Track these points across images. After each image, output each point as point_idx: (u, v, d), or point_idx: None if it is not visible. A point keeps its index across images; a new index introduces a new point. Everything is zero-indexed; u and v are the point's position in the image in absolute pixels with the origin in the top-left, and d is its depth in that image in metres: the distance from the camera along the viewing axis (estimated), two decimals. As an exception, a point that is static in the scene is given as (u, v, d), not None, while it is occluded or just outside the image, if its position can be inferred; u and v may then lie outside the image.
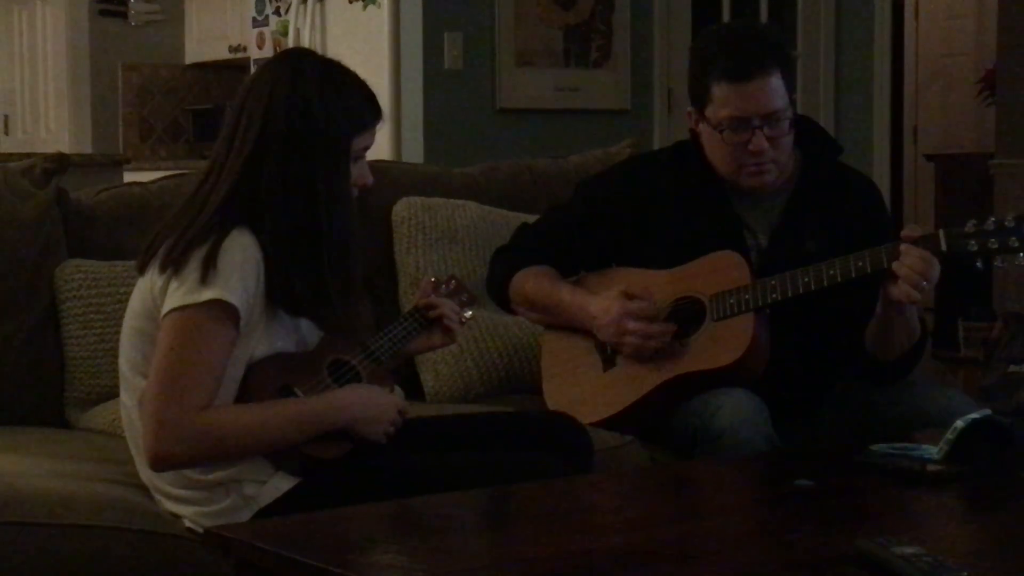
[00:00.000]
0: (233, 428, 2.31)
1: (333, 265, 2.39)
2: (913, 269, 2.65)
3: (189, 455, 2.31)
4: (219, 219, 2.35)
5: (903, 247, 2.68)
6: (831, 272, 2.75)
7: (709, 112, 2.88)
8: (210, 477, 2.36)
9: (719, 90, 2.85)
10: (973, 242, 2.65)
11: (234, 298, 2.30)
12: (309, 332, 2.48)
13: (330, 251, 2.38)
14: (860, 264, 2.72)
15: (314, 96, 2.38)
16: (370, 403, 2.43)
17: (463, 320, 2.65)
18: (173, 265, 2.32)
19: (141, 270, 2.42)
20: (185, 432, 2.28)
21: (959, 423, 2.33)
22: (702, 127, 2.93)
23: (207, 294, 2.29)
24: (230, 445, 2.32)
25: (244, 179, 2.37)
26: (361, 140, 2.44)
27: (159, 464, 2.33)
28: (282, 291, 2.37)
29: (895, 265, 2.67)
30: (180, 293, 2.30)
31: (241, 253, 2.33)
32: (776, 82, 2.84)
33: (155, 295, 2.36)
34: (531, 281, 3.06)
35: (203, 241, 2.32)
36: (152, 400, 2.29)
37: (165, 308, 2.32)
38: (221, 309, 2.30)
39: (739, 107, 2.83)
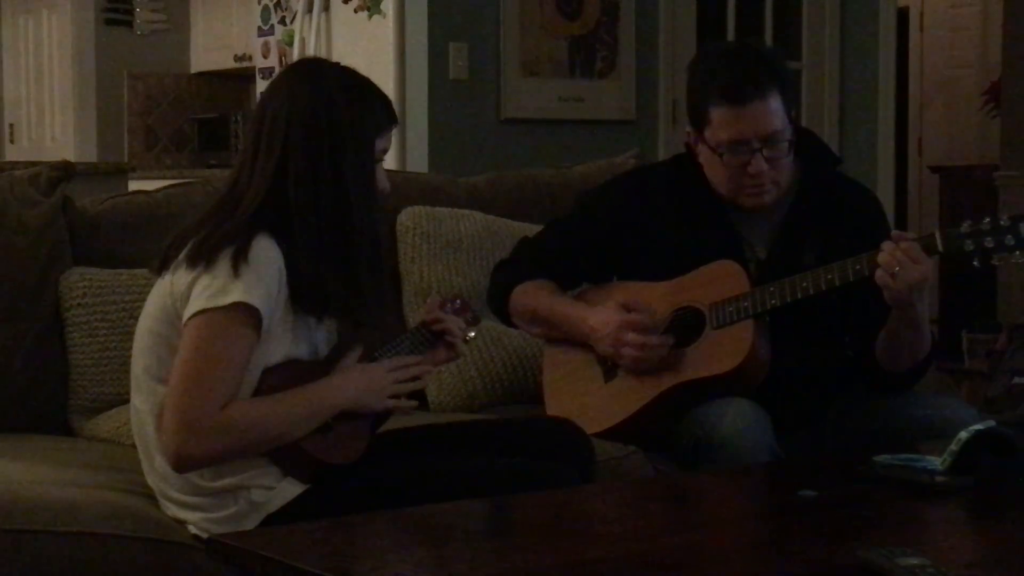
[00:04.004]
0: (253, 422, 2.33)
1: (365, 261, 2.43)
2: (891, 254, 2.66)
3: (212, 452, 2.33)
4: (249, 223, 2.38)
5: (893, 234, 2.70)
6: (829, 277, 2.75)
7: (708, 134, 2.88)
8: (217, 484, 2.38)
9: (717, 113, 2.85)
10: (969, 242, 2.66)
11: (257, 302, 2.33)
12: (322, 342, 2.50)
13: (361, 248, 2.43)
14: (858, 268, 2.73)
15: (337, 97, 2.43)
16: (361, 375, 2.46)
17: (466, 339, 2.67)
18: (205, 260, 2.34)
19: (159, 271, 2.44)
20: (207, 431, 2.30)
21: (963, 434, 2.33)
22: (700, 148, 2.93)
23: (231, 297, 2.31)
24: (251, 438, 2.34)
25: (274, 184, 2.41)
26: (381, 142, 2.48)
27: (182, 464, 2.34)
28: (313, 292, 2.40)
29: (879, 255, 2.68)
30: (207, 295, 2.32)
31: (265, 259, 2.35)
32: (775, 103, 2.84)
33: (176, 297, 2.37)
34: (531, 295, 3.06)
35: (233, 240, 2.35)
36: (174, 401, 2.31)
37: (188, 312, 2.34)
38: (244, 312, 2.32)
39: (738, 130, 2.83)
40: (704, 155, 2.93)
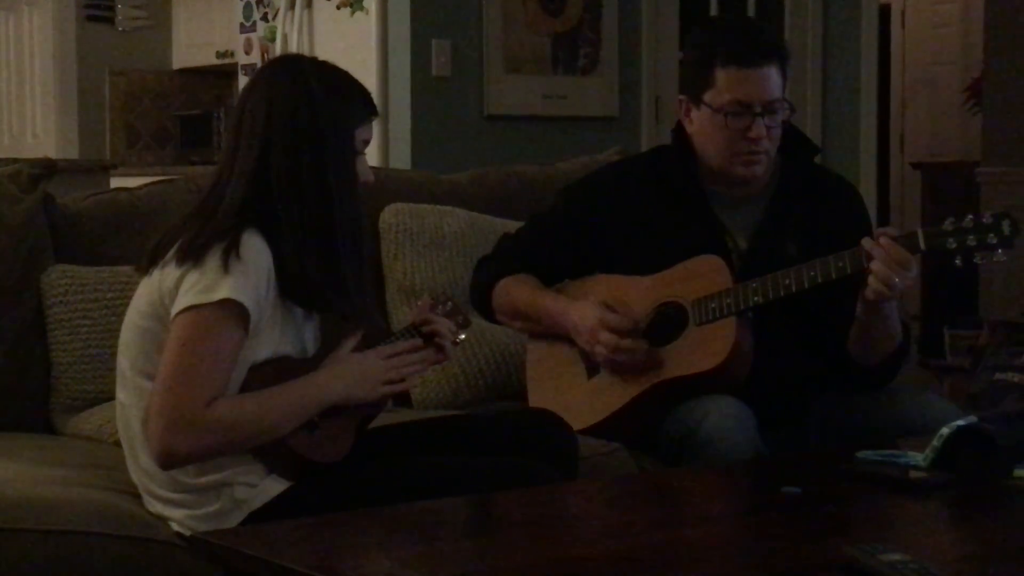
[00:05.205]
0: (240, 418, 2.33)
1: (347, 254, 2.43)
2: (886, 265, 2.67)
3: (199, 449, 2.32)
4: (235, 219, 2.38)
5: (881, 240, 2.70)
6: (812, 273, 2.76)
7: (709, 97, 2.89)
8: (201, 480, 2.37)
9: (725, 74, 2.87)
10: (952, 240, 2.67)
11: (246, 299, 2.32)
12: (310, 341, 2.51)
13: (343, 240, 2.43)
14: (840, 265, 2.73)
15: (316, 90, 2.43)
16: (352, 366, 2.45)
17: (456, 341, 2.67)
18: (194, 257, 2.34)
19: (147, 269, 2.43)
20: (194, 427, 2.29)
21: (945, 430, 2.34)
22: (695, 115, 2.94)
23: (220, 293, 2.31)
24: (239, 434, 2.34)
25: (257, 179, 2.41)
26: (361, 132, 2.48)
27: (168, 460, 2.33)
28: (299, 285, 2.40)
29: (870, 262, 2.69)
30: (195, 291, 2.32)
31: (255, 256, 2.35)
32: (777, 75, 2.89)
33: (164, 293, 2.37)
34: (514, 290, 3.06)
35: (222, 237, 2.35)
36: (161, 397, 2.31)
37: (177, 307, 2.33)
38: (233, 309, 2.32)
39: (744, 92, 2.86)
40: (700, 122, 2.93)
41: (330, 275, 2.42)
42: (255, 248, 2.36)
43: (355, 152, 2.47)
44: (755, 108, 2.87)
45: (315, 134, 2.42)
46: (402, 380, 2.50)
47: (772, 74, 2.88)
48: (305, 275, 2.40)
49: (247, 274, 2.33)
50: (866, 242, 2.70)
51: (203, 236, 2.36)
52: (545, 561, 1.95)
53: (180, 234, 2.41)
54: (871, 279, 2.68)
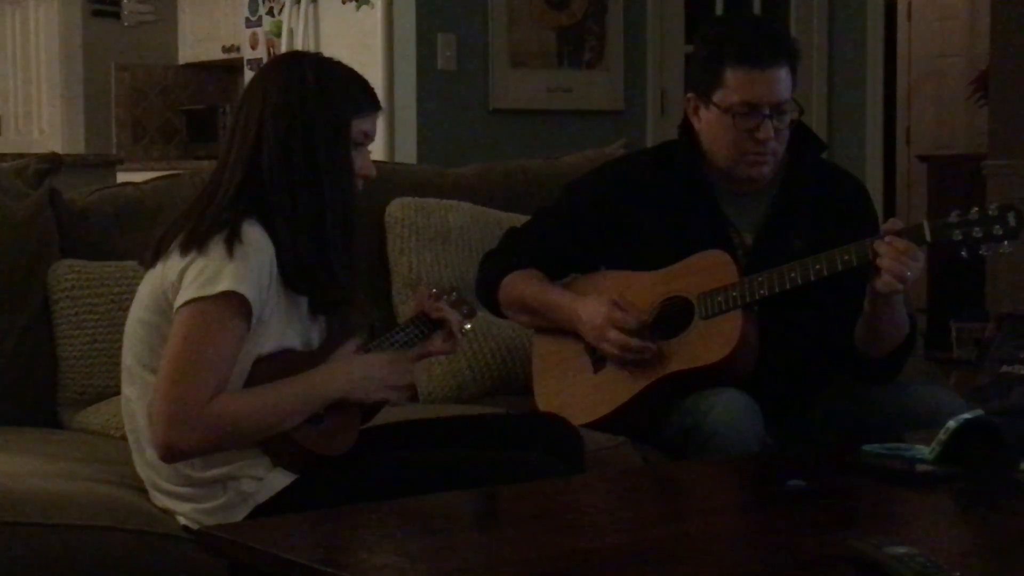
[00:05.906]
0: (243, 413, 2.33)
1: (336, 241, 2.43)
2: (896, 260, 2.67)
3: (201, 444, 2.32)
4: (232, 207, 2.39)
5: (886, 238, 2.70)
6: (817, 266, 2.76)
7: (718, 97, 2.89)
8: (207, 474, 2.37)
9: (734, 75, 2.86)
10: (957, 231, 2.67)
11: (247, 290, 2.33)
12: (315, 335, 2.51)
13: (333, 227, 2.42)
14: (846, 258, 2.73)
15: (310, 79, 2.44)
16: (358, 363, 2.46)
17: (462, 331, 2.67)
18: (197, 247, 2.34)
19: (152, 262, 2.43)
20: (197, 422, 2.29)
21: (951, 423, 2.33)
22: (703, 113, 2.93)
23: (222, 285, 2.31)
24: (241, 430, 2.34)
25: (251, 166, 2.42)
26: (360, 123, 2.47)
27: (171, 455, 2.34)
28: (295, 271, 2.40)
29: (878, 258, 2.68)
30: (199, 283, 2.32)
31: (256, 248, 2.35)
32: (787, 76, 2.88)
33: (167, 286, 2.37)
34: (521, 284, 3.06)
35: (223, 226, 2.35)
36: (163, 392, 2.31)
37: (179, 300, 2.34)
38: (235, 302, 2.32)
39: (753, 93, 2.85)
40: (707, 120, 2.93)
41: (319, 258, 2.42)
42: (256, 239, 2.36)
43: (350, 142, 2.47)
44: (764, 109, 2.86)
45: (306, 120, 2.42)
46: (405, 385, 2.50)
47: (782, 75, 2.87)
48: (300, 260, 2.40)
49: (249, 264, 2.33)
50: (880, 248, 2.69)
51: (204, 225, 2.37)
52: (551, 554, 1.95)
53: (182, 226, 2.41)
54: (882, 273, 2.68)
